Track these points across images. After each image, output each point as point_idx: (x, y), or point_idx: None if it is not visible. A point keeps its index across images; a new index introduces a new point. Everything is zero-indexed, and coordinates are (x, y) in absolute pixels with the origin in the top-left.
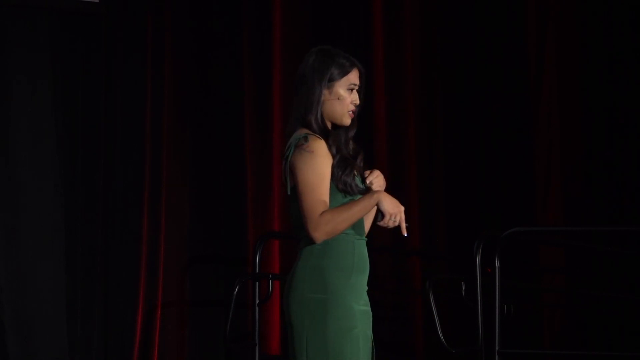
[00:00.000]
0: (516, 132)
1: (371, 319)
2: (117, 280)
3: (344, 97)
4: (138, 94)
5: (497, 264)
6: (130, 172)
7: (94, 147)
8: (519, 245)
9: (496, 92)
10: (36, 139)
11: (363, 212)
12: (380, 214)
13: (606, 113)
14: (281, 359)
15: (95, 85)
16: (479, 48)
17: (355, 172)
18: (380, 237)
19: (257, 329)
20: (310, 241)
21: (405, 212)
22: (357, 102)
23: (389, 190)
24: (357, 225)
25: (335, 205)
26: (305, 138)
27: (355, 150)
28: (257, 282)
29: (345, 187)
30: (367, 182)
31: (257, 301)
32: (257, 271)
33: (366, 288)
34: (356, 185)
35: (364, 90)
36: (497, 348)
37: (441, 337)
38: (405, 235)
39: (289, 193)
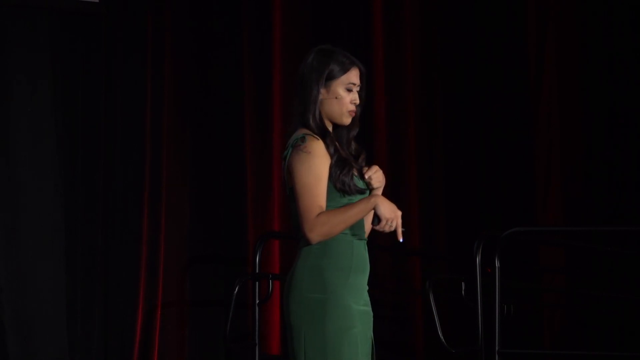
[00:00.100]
0: (516, 132)
1: (372, 319)
2: (117, 280)
3: (342, 97)
4: (138, 94)
5: (497, 264)
6: (130, 172)
7: (94, 147)
8: (519, 245)
9: (496, 92)
10: (36, 139)
11: (360, 216)
12: (376, 218)
13: (606, 113)
14: (281, 359)
15: (95, 85)
16: (479, 48)
17: (355, 172)
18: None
19: (257, 329)
20: (309, 241)
21: (405, 213)
22: (357, 101)
23: (389, 188)
24: (357, 225)
25: (333, 204)
26: (303, 139)
27: (358, 150)
28: (257, 282)
29: (344, 187)
30: (366, 177)
31: (257, 301)
32: (257, 271)
33: (366, 288)
34: (354, 185)
35: (365, 91)
36: (497, 348)
37: (441, 337)
38: (401, 240)
39: (288, 193)
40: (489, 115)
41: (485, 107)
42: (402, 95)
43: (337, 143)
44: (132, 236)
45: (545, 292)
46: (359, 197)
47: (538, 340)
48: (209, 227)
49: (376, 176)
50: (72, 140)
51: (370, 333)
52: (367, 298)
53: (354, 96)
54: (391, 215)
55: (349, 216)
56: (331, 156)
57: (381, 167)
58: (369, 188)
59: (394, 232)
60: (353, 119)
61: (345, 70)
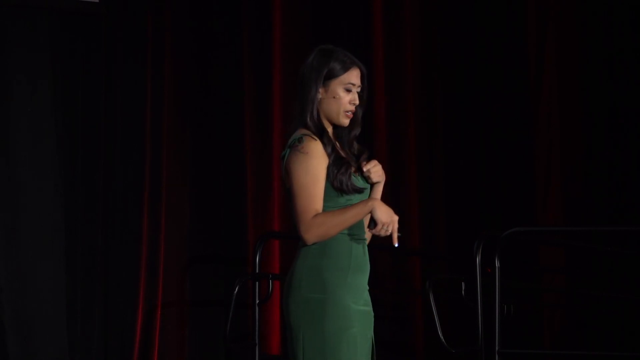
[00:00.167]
0: (516, 132)
1: (372, 319)
2: (117, 280)
3: (340, 96)
4: (138, 94)
5: (497, 264)
6: (130, 172)
7: (94, 147)
8: (519, 245)
9: (496, 92)
10: (36, 139)
11: (356, 219)
12: (373, 221)
13: (606, 113)
14: (281, 359)
15: (95, 85)
16: (479, 48)
17: (353, 171)
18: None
19: (257, 329)
20: (305, 242)
21: (405, 212)
22: (356, 102)
23: (389, 188)
24: (356, 225)
25: (331, 204)
26: (300, 139)
27: (359, 150)
28: (257, 282)
29: (341, 186)
30: (364, 169)
31: (257, 301)
32: (257, 271)
33: (367, 288)
34: (352, 184)
35: (367, 91)
36: (497, 348)
37: (441, 337)
38: (396, 245)
39: (285, 194)
40: (489, 115)
41: (485, 107)
42: (402, 95)
43: (337, 143)
44: (132, 236)
45: (545, 292)
46: (357, 196)
47: (538, 340)
48: (209, 227)
49: (375, 170)
50: (72, 140)
51: (370, 333)
52: (368, 298)
53: (353, 97)
54: (387, 220)
55: (345, 219)
56: (329, 156)
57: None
58: (369, 182)
59: (390, 236)
60: (352, 120)
61: (344, 69)
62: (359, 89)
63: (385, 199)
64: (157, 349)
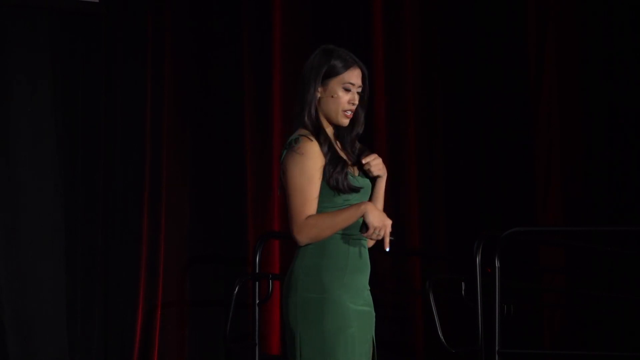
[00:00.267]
0: (516, 132)
1: (373, 319)
2: (117, 280)
3: (338, 96)
4: (138, 94)
5: (497, 264)
6: (130, 172)
7: (94, 147)
8: (519, 245)
9: (496, 92)
10: (36, 139)
11: (348, 222)
12: (365, 225)
13: (606, 113)
14: (281, 359)
15: (95, 85)
16: (479, 48)
17: (351, 170)
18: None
19: (257, 329)
20: (297, 243)
21: (405, 212)
22: (355, 102)
23: (389, 188)
24: (354, 225)
25: (328, 204)
26: (297, 140)
27: (361, 150)
28: (257, 282)
29: (337, 185)
30: (363, 162)
31: (257, 301)
32: (257, 271)
33: (367, 288)
34: (348, 183)
35: (368, 92)
36: (497, 348)
37: (441, 337)
38: (387, 249)
39: (280, 193)
40: (489, 115)
41: (485, 107)
42: (402, 95)
43: (338, 142)
44: (132, 236)
45: (545, 292)
46: (354, 195)
47: (538, 340)
48: (209, 227)
49: (375, 163)
50: (72, 140)
51: (371, 333)
52: (369, 298)
53: (352, 96)
54: (379, 224)
55: (337, 221)
56: (325, 155)
57: None
58: (370, 177)
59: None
60: (354, 120)
61: (344, 68)
62: (359, 89)
63: (385, 198)
64: (157, 349)
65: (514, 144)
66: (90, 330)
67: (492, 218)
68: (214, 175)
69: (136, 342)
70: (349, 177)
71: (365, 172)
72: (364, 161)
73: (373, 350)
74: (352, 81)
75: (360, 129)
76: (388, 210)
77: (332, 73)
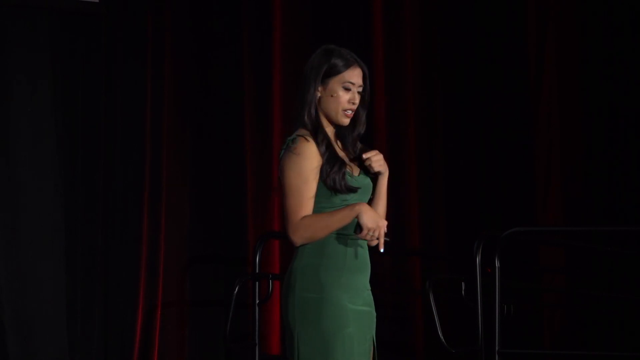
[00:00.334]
0: (516, 132)
1: (373, 319)
2: (117, 280)
3: (338, 95)
4: (138, 94)
5: (497, 264)
6: (130, 172)
7: (94, 147)
8: (519, 245)
9: (496, 92)
10: (36, 139)
11: (342, 223)
12: (358, 226)
13: (606, 113)
14: (281, 359)
15: (95, 85)
16: (479, 48)
17: (349, 170)
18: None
19: (257, 329)
20: (292, 243)
21: (405, 213)
22: (355, 101)
23: (389, 187)
24: (351, 225)
25: (325, 204)
26: (294, 140)
27: (363, 150)
28: (257, 282)
29: (334, 185)
30: (364, 157)
31: (257, 301)
32: (257, 271)
33: (367, 288)
34: (346, 183)
35: (369, 92)
36: (497, 348)
37: (441, 337)
38: (381, 251)
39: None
40: (489, 115)
41: (485, 107)
42: (402, 95)
43: (338, 142)
44: (132, 236)
45: (545, 292)
46: (352, 196)
47: (538, 340)
48: (209, 227)
49: (376, 159)
50: (72, 140)
51: (371, 333)
52: (369, 298)
53: (352, 96)
54: (373, 225)
55: (332, 222)
56: (322, 155)
57: None
58: (371, 173)
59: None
60: (355, 119)
61: (344, 67)
62: (359, 89)
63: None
64: (157, 349)
65: (514, 144)
66: (90, 330)
67: (492, 218)
68: (214, 175)
69: (136, 342)
70: (347, 177)
71: (366, 172)
72: (364, 156)
73: (374, 350)
74: (352, 80)
75: (361, 128)
76: (388, 210)
77: (332, 72)
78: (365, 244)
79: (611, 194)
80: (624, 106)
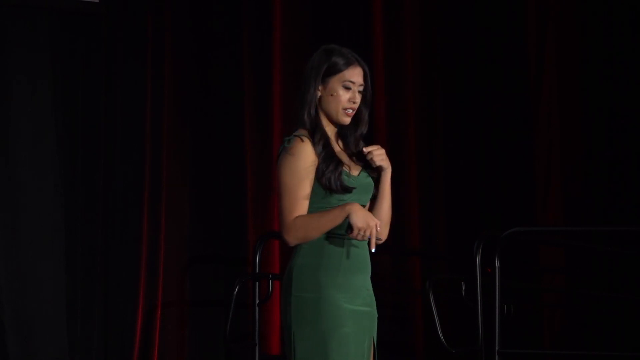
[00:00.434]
0: (516, 132)
1: (373, 319)
2: (117, 280)
3: (338, 94)
4: (138, 94)
5: (497, 264)
6: (130, 172)
7: (94, 147)
8: (519, 245)
9: (496, 92)
10: (36, 139)
11: (334, 223)
12: (349, 226)
13: (606, 113)
14: (281, 359)
15: (95, 85)
16: (479, 48)
17: (346, 169)
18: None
19: (257, 329)
20: (286, 243)
21: (405, 212)
22: (356, 100)
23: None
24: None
25: (322, 204)
26: (289, 140)
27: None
28: (257, 282)
29: (330, 185)
30: (365, 151)
31: (257, 301)
32: (257, 271)
33: (367, 288)
34: (341, 183)
35: (370, 91)
36: (497, 348)
37: (441, 337)
38: (373, 250)
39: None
40: (489, 115)
41: (485, 107)
42: (402, 95)
43: (339, 142)
44: (132, 236)
45: (545, 292)
46: (348, 195)
47: (538, 340)
48: (209, 227)
49: (377, 153)
50: (72, 140)
51: (371, 333)
52: (369, 299)
53: (353, 95)
54: (363, 225)
55: (323, 222)
56: (318, 155)
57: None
58: (373, 168)
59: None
60: (357, 119)
61: (344, 66)
62: (360, 88)
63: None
64: (157, 349)
65: (514, 144)
66: (90, 330)
67: (492, 218)
68: (214, 175)
69: (136, 342)
70: (343, 176)
71: (368, 170)
72: (365, 150)
73: (374, 350)
74: (352, 79)
75: (364, 128)
76: None
77: (332, 71)
78: (363, 244)
79: (611, 194)
80: (624, 106)
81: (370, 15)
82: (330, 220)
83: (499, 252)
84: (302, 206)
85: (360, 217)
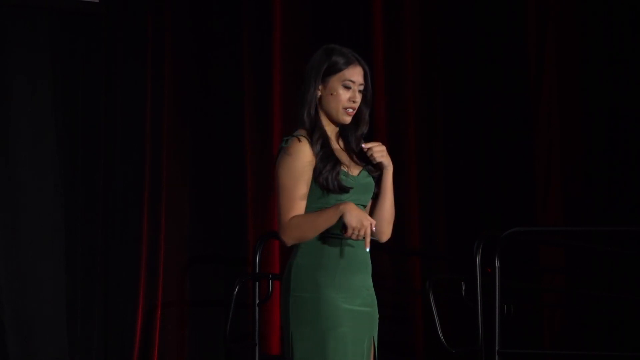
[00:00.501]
0: (516, 132)
1: (373, 319)
2: (117, 280)
3: (338, 93)
4: (138, 94)
5: (497, 264)
6: (130, 172)
7: (94, 147)
8: (519, 245)
9: (496, 92)
10: (36, 139)
11: (329, 223)
12: (344, 226)
13: (606, 113)
14: (281, 359)
15: (95, 85)
16: (479, 48)
17: (344, 169)
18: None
19: (257, 329)
20: (283, 243)
21: (405, 212)
22: (356, 99)
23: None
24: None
25: (320, 203)
26: (287, 140)
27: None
28: (257, 282)
29: (327, 184)
30: (365, 148)
31: (257, 301)
32: (257, 271)
33: (367, 288)
34: (339, 183)
35: (371, 91)
36: (497, 348)
37: (441, 337)
38: (367, 250)
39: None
40: (489, 116)
41: (485, 107)
42: (402, 95)
43: (340, 141)
44: (132, 236)
45: (545, 292)
46: (345, 195)
47: (538, 340)
48: (209, 227)
49: (378, 150)
50: (72, 140)
51: (370, 333)
52: (369, 299)
53: (353, 94)
54: (357, 225)
55: (318, 222)
56: (316, 155)
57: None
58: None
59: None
60: (358, 118)
61: (344, 65)
62: (360, 87)
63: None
64: (157, 349)
65: (514, 144)
66: (90, 330)
67: (492, 218)
68: (214, 175)
69: (136, 342)
70: (341, 176)
71: (369, 170)
72: (365, 146)
73: (374, 350)
74: (352, 79)
75: (365, 128)
76: None
77: (332, 70)
78: (360, 243)
79: (611, 194)
80: (624, 106)
81: (370, 15)
82: (325, 220)
83: (499, 252)
84: (298, 206)
85: (354, 216)
